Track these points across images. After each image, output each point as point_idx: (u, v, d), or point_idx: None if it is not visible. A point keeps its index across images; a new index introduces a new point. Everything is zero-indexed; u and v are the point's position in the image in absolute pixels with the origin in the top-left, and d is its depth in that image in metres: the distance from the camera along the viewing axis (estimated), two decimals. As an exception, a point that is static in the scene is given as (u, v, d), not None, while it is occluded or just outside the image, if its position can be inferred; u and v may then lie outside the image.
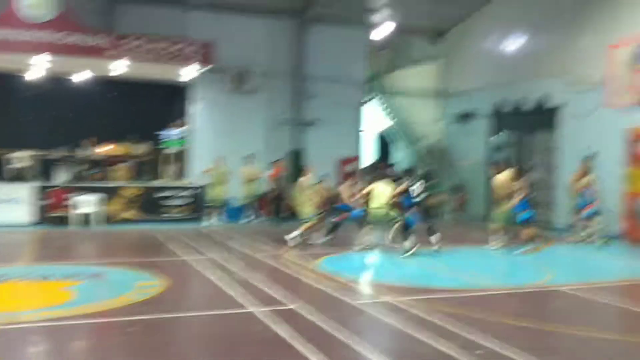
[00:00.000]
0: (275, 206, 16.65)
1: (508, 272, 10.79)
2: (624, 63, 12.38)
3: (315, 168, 14.04)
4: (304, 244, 12.26)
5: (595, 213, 13.03)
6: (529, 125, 18.02)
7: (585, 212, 13.19)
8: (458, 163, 20.80)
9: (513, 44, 18.50)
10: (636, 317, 7.55)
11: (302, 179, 13.16)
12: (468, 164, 20.24)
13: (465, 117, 20.11)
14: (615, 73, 12.64)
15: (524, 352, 5.72)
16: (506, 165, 13.45)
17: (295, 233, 12.45)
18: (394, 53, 25.23)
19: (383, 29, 20.66)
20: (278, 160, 17.18)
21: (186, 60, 16.06)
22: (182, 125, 17.40)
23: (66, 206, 15.15)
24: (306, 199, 12.87)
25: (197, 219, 16.43)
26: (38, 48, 14.52)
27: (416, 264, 10.81)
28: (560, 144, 16.56)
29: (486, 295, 8.48)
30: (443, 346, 5.84)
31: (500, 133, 19.20)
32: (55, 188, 15.29)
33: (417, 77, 23.53)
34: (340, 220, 12.71)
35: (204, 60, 16.27)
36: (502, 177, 12.62)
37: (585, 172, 13.39)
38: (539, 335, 6.47)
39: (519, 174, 12.47)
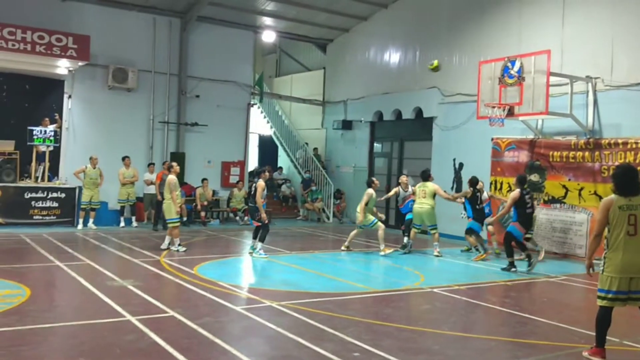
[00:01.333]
0: (157, 210, 16.13)
1: (384, 276, 11.18)
2: (494, 78, 13.26)
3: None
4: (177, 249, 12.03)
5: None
6: (407, 134, 18.86)
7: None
8: (340, 169, 21.33)
9: (390, 57, 19.30)
10: (497, 314, 8.10)
11: (169, 178, 12.30)
12: (349, 171, 20.81)
13: (346, 124, 20.65)
14: (485, 87, 13.51)
15: (400, 352, 5.96)
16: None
17: (168, 239, 12.21)
18: (280, 58, 25.47)
19: (270, 34, 20.87)
20: (164, 162, 16.60)
21: (62, 53, 15.22)
22: (55, 122, 16.36)
23: None
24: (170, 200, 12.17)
25: (70, 222, 15.55)
26: None
27: (297, 268, 10.93)
28: (433, 153, 17.45)
29: (364, 297, 8.74)
30: (322, 348, 5.93)
31: (383, 142, 19.94)
32: None
33: (302, 83, 23.90)
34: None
35: (81, 55, 15.52)
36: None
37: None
38: (412, 335, 6.75)
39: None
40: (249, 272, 11.05)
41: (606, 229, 5.98)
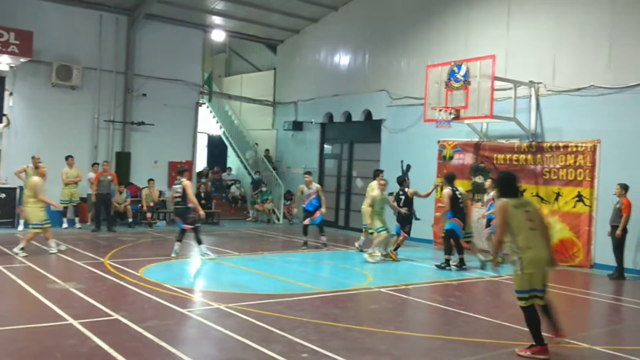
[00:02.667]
0: (97, 211, 15.76)
1: (333, 276, 11.23)
2: (440, 82, 13.52)
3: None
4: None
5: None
6: (356, 136, 19.01)
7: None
8: (290, 170, 21.31)
9: (340, 59, 19.43)
10: (443, 313, 8.25)
11: (33, 180, 11.54)
12: (300, 172, 20.80)
13: (297, 126, 20.66)
14: (432, 91, 13.76)
15: (347, 352, 6.00)
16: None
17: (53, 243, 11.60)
18: (231, 58, 25.26)
19: (220, 33, 20.68)
20: (105, 162, 16.26)
21: (3, 49, 14.69)
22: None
23: None
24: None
25: (10, 223, 15.01)
26: None
27: (246, 270, 10.86)
28: (381, 155, 17.64)
29: (312, 298, 8.76)
30: (270, 350, 5.92)
31: (331, 142, 20.03)
32: None
33: (253, 83, 23.79)
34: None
35: (23, 51, 15.00)
36: None
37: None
38: (359, 335, 6.80)
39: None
40: (197, 275, 10.92)
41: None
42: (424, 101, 14.21)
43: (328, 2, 19.09)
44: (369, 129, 18.22)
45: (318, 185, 14.16)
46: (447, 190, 11.87)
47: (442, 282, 10.58)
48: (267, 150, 22.10)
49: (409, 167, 16.63)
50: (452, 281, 10.62)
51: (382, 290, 9.52)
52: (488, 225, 12.69)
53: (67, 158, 15.75)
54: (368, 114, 18.25)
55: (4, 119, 15.86)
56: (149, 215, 17.26)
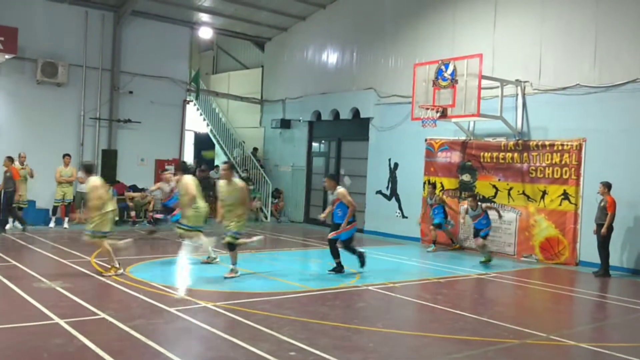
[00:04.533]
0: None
1: (321, 275, 11.22)
2: (428, 80, 13.56)
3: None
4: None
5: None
6: (344, 134, 19.02)
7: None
8: (278, 169, 21.29)
9: (329, 57, 19.41)
10: (430, 311, 8.29)
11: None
12: (287, 170, 20.80)
13: (284, 123, 20.63)
14: (419, 89, 13.80)
15: (335, 350, 6.00)
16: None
17: None
18: (218, 55, 25.16)
19: (207, 30, 20.58)
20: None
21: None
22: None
23: None
24: None
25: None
26: None
27: (225, 269, 10.82)
28: (369, 153, 17.68)
29: (300, 296, 8.76)
30: (258, 348, 5.91)
31: (320, 140, 20.03)
32: None
33: (241, 81, 23.72)
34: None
35: (8, 47, 14.85)
36: None
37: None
38: (347, 333, 6.81)
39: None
40: (184, 273, 10.87)
41: None
42: (411, 99, 14.26)
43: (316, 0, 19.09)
44: (357, 127, 18.25)
45: (341, 190, 10.69)
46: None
47: (429, 280, 10.63)
48: (255, 149, 22.04)
49: (396, 165, 16.68)
50: (440, 279, 10.67)
51: (370, 288, 9.55)
52: (476, 235, 12.85)
53: (63, 156, 15.55)
54: (356, 112, 18.27)
55: None
56: (133, 214, 17.18)
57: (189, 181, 10.88)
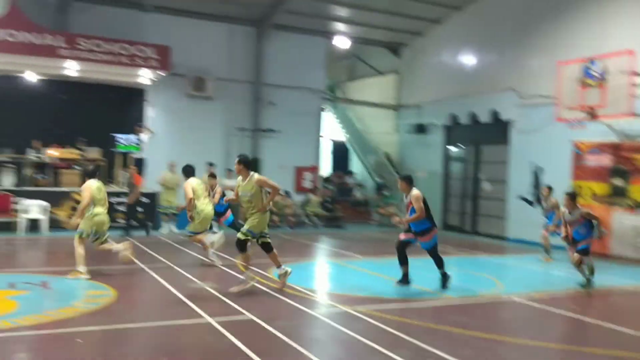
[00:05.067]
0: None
1: (460, 282, 10.94)
2: (573, 79, 12.81)
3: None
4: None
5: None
6: (483, 138, 18.46)
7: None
8: (414, 174, 21.05)
9: (465, 59, 18.97)
10: (584, 326, 7.78)
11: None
12: (423, 176, 20.54)
13: (420, 128, 20.43)
14: (565, 89, 13.06)
15: (477, 361, 5.84)
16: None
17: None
18: (353, 63, 25.52)
19: (342, 39, 20.96)
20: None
21: (143, 63, 15.82)
22: (137, 129, 17.08)
23: (13, 211, 14.66)
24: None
25: (150, 225, 16.11)
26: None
27: (371, 273, 10.90)
28: (510, 157, 16.99)
29: (439, 304, 8.61)
30: (399, 355, 5.88)
31: (457, 145, 19.61)
32: (1, 192, 14.74)
33: (375, 87, 23.84)
34: None
35: (161, 65, 16.08)
36: None
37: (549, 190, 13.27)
38: (489, 344, 6.58)
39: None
40: (323, 277, 11.11)
41: None
42: (554, 100, 13.52)
43: (452, 2, 18.75)
44: (496, 130, 17.62)
45: (415, 193, 9.50)
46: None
47: (577, 291, 9.98)
48: (389, 154, 22.04)
49: (540, 169, 15.84)
50: (589, 290, 9.98)
51: (513, 298, 9.16)
52: (571, 245, 10.47)
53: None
54: (495, 115, 17.66)
55: (146, 129, 17.10)
56: (275, 218, 17.89)
57: (186, 184, 11.05)
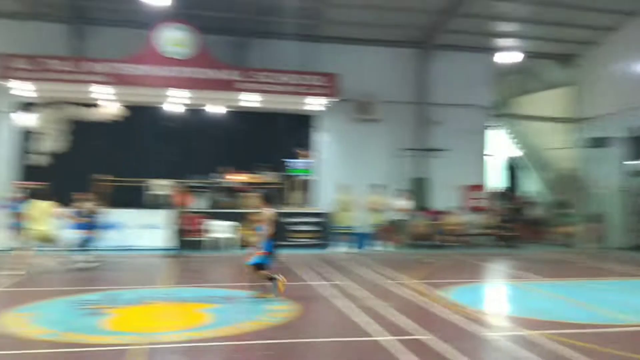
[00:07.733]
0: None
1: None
2: None
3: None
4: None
5: None
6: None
7: None
8: (593, 190, 19.62)
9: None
10: None
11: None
12: (603, 191, 19.05)
13: (599, 142, 19.00)
14: None
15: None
16: None
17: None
18: (522, 77, 24.55)
19: (509, 54, 20.24)
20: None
21: (314, 92, 16.58)
22: (308, 153, 17.99)
23: (200, 231, 16.03)
24: None
25: (322, 245, 16.72)
26: (178, 83, 15.74)
27: (544, 296, 10.33)
28: None
29: (628, 331, 7.92)
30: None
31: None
32: (190, 214, 16.11)
33: (546, 102, 22.69)
34: None
35: (331, 92, 16.69)
36: None
37: None
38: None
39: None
40: (499, 299, 10.74)
41: None
42: None
43: (624, 8, 17.42)
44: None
45: None
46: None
47: None
48: (567, 169, 20.72)
49: None
50: None
51: None
52: None
53: (373, 186, 16.89)
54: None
55: (309, 153, 17.93)
56: (450, 238, 17.65)
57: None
